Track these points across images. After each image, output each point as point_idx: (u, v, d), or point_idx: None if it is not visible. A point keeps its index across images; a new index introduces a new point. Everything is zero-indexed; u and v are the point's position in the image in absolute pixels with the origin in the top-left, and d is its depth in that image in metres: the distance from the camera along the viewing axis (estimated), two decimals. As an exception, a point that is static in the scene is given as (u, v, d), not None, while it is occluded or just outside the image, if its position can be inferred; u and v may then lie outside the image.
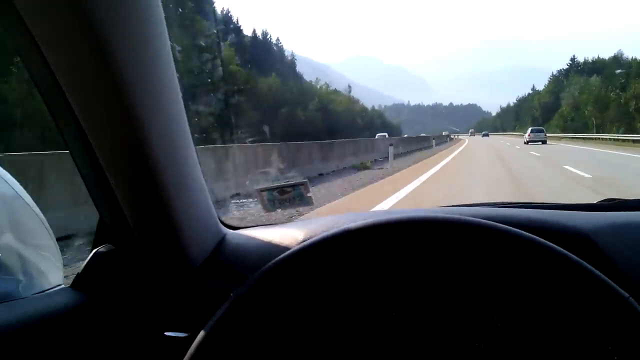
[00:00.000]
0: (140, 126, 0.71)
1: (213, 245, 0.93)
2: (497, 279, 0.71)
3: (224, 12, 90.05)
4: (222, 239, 0.95)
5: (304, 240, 0.76)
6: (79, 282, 0.86)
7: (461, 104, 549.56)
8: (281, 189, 1.03)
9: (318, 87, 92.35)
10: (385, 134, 50.21)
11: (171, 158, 0.79)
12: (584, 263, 0.63)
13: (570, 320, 0.66)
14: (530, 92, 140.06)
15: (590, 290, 0.61)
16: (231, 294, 0.66)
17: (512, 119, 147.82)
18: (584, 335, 0.65)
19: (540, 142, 40.59)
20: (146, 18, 0.69)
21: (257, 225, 1.04)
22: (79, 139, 0.76)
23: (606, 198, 1.12)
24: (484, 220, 0.67)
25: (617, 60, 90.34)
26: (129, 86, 0.68)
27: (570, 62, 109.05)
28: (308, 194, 1.03)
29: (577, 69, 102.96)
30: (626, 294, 0.61)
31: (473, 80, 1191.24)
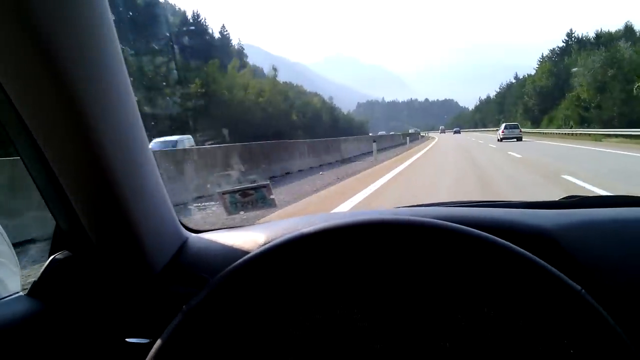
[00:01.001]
0: (92, 131, 0.72)
1: (174, 249, 0.95)
2: (457, 278, 0.73)
3: (194, 14, 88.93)
4: (184, 243, 0.98)
5: (264, 244, 0.79)
6: (36, 290, 0.87)
7: (437, 100, 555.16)
8: (243, 192, 1.07)
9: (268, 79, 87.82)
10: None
11: (127, 163, 0.79)
12: (537, 259, 0.66)
13: (529, 316, 0.69)
14: (513, 80, 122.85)
15: (545, 286, 0.65)
16: (183, 306, 0.67)
17: (495, 111, 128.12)
18: (542, 330, 0.68)
19: (515, 139, 38.47)
20: (93, 21, 0.70)
21: (219, 229, 1.07)
22: (30, 146, 0.77)
23: (569, 195, 1.19)
24: (437, 221, 0.70)
25: (629, 30, 67.92)
26: (78, 91, 0.68)
27: (566, 38, 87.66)
28: (271, 196, 1.07)
29: (579, 44, 79.44)
30: (579, 287, 0.64)
31: (449, 76, 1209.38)
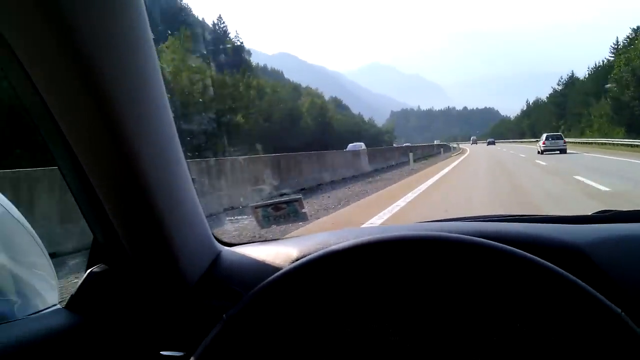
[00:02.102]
0: (129, 145, 0.75)
1: (208, 262, 1.00)
2: (490, 295, 0.76)
3: (221, 27, 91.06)
4: (217, 257, 1.03)
5: (297, 259, 0.84)
6: (74, 303, 0.93)
7: (476, 108, 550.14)
8: (275, 206, 1.12)
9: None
10: (361, 143, 44.69)
11: (163, 177, 0.83)
12: (573, 278, 0.67)
13: (564, 336, 0.71)
14: (567, 79, 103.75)
15: (582, 306, 0.66)
16: (224, 315, 0.72)
17: (551, 117, 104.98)
18: (579, 351, 0.69)
19: (558, 152, 34.99)
20: (134, 39, 0.73)
21: (252, 242, 1.13)
22: (69, 159, 0.80)
23: (601, 210, 1.20)
24: (471, 237, 0.73)
25: None
26: (116, 105, 0.71)
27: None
28: (302, 210, 1.12)
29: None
30: (619, 310, 0.65)
31: (488, 85, 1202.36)
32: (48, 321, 0.88)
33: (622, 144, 42.18)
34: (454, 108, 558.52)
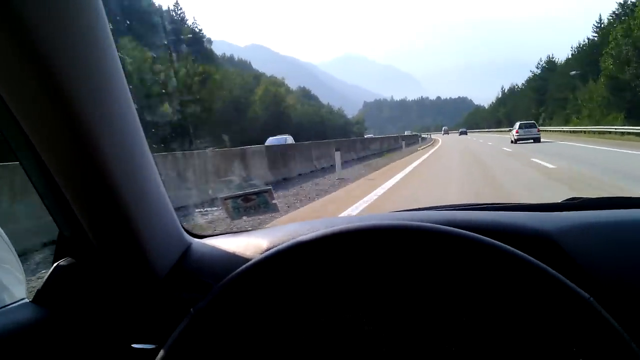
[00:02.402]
0: (91, 138, 0.76)
1: (178, 254, 1.02)
2: (460, 282, 0.78)
3: (178, 14, 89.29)
4: (188, 248, 1.04)
5: (267, 249, 0.85)
6: (41, 297, 0.93)
7: (450, 97, 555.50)
8: (245, 197, 1.14)
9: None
10: (287, 136, 32.94)
11: (127, 169, 0.84)
12: (542, 265, 0.70)
13: (534, 322, 0.74)
14: (545, 62, 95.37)
15: (551, 293, 0.69)
16: (191, 309, 0.73)
17: (530, 104, 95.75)
18: (549, 336, 0.73)
19: (532, 140, 35.22)
20: (91, 29, 0.73)
21: (223, 234, 1.14)
22: (32, 157, 0.80)
23: (570, 197, 1.25)
24: (437, 225, 0.75)
25: None
26: (76, 98, 0.71)
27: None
28: (273, 201, 1.14)
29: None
30: (587, 295, 0.67)
31: (462, 75, 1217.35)
32: (15, 315, 0.88)
33: (622, 132, 36.28)
34: (427, 98, 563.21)
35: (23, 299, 0.97)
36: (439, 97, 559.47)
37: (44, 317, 0.90)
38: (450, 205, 1.27)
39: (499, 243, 0.72)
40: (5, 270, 1.04)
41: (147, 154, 0.89)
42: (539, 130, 36.95)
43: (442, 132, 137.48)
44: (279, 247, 0.76)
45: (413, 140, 56.54)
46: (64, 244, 0.97)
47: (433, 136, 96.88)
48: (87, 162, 0.78)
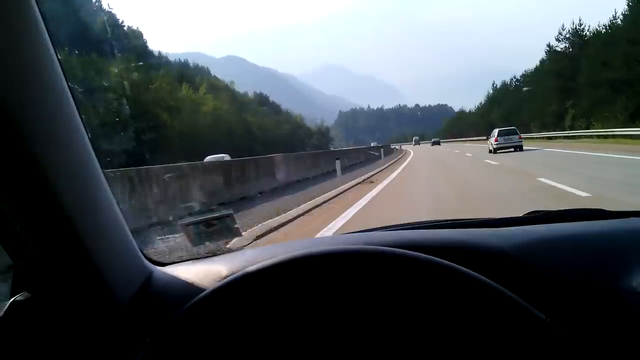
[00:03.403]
0: (41, 168, 0.77)
1: (138, 284, 1.04)
2: (416, 306, 0.81)
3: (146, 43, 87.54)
4: (149, 277, 1.07)
5: (226, 277, 0.90)
6: None
7: (429, 105, 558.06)
8: (207, 222, 1.17)
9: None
10: (224, 155, 32.43)
11: (82, 198, 0.87)
12: (497, 286, 0.73)
13: (491, 344, 0.77)
14: (570, 31, 63.44)
15: (507, 314, 0.72)
16: (147, 340, 0.78)
17: (548, 95, 66.58)
18: (507, 358, 0.75)
19: (512, 149, 33.62)
20: (38, 59, 0.76)
21: (184, 261, 1.17)
22: None
23: (530, 211, 1.31)
24: (387, 248, 0.80)
25: None
26: (24, 128, 0.74)
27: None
28: (235, 226, 1.18)
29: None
30: (544, 316, 0.71)
31: (441, 84, 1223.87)
32: None
33: None
34: (405, 106, 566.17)
35: None
36: (417, 105, 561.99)
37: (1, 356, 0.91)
38: (408, 223, 1.31)
39: (452, 264, 0.74)
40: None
41: (103, 182, 0.92)
42: (520, 138, 35.31)
43: (413, 143, 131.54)
44: (229, 278, 0.83)
45: (376, 155, 45.32)
46: (20, 276, 0.98)
47: (404, 147, 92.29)
48: (37, 195, 0.79)
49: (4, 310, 0.96)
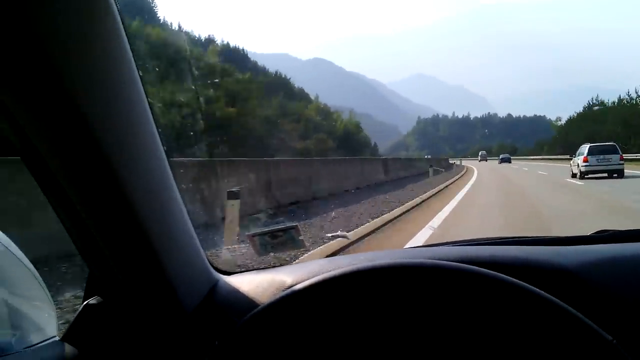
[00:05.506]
0: (120, 179, 0.88)
1: (204, 292, 1.16)
2: (480, 323, 0.87)
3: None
4: (214, 285, 1.19)
5: (290, 287, 0.99)
6: (70, 335, 1.09)
7: (523, 116, 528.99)
8: (272, 233, 1.29)
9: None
10: None
11: (156, 208, 0.99)
12: (564, 305, 0.77)
13: None
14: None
15: (573, 334, 0.76)
16: (216, 342, 0.89)
17: None
18: None
19: (608, 174, 26.09)
20: (122, 77, 0.86)
21: (250, 270, 1.29)
22: (61, 197, 0.94)
23: (599, 230, 1.34)
24: (454, 264, 0.87)
25: None
26: (105, 141, 0.84)
27: None
28: (299, 237, 1.29)
29: None
30: (610, 337, 0.75)
31: (538, 98, 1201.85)
32: (44, 354, 1.03)
33: None
34: (495, 115, 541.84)
35: (54, 336, 1.12)
36: (509, 115, 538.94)
37: (73, 357, 1.05)
38: (473, 240, 1.38)
39: (519, 282, 0.80)
40: (37, 308, 1.20)
41: (175, 192, 1.04)
42: (622, 158, 26.92)
43: (479, 158, 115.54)
44: (293, 288, 0.91)
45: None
46: (93, 282, 1.12)
47: (468, 164, 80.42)
48: (116, 205, 0.90)
49: (78, 311, 1.10)
